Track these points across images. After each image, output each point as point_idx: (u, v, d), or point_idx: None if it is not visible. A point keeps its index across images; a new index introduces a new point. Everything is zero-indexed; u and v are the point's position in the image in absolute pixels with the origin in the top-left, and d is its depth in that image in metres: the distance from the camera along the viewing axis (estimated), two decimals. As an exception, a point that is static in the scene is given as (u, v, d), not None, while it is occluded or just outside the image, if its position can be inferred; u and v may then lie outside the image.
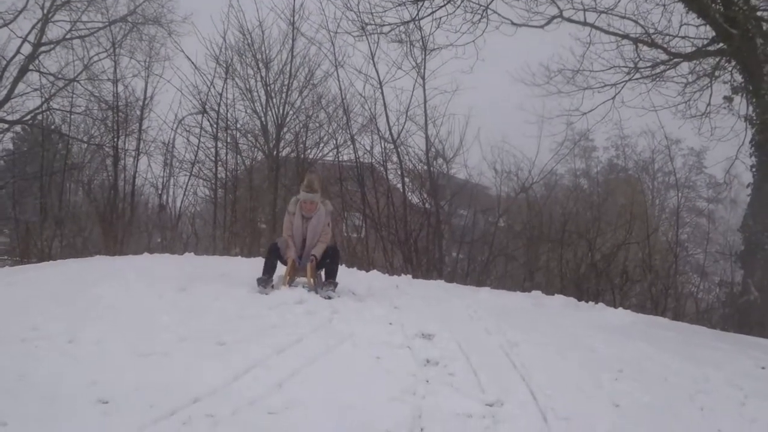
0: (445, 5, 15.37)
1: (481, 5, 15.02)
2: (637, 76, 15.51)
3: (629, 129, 34.65)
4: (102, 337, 6.03)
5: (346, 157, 18.93)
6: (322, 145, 19.37)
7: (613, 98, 15.83)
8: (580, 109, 16.20)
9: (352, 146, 18.52)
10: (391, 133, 18.06)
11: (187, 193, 19.78)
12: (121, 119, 20.08)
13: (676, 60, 15.17)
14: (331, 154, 19.24)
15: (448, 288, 11.67)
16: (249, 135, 19.50)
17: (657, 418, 5.31)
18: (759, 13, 13.62)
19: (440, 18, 15.52)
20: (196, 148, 19.44)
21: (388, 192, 18.19)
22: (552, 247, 18.05)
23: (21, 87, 21.88)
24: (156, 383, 4.92)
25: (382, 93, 18.00)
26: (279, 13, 19.38)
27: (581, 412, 5.16)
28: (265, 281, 8.89)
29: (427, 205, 17.98)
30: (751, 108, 14.49)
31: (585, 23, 14.88)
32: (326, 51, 18.31)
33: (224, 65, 18.80)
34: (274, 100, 18.63)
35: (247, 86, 18.83)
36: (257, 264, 9.87)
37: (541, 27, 14.97)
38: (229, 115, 19.16)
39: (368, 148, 18.63)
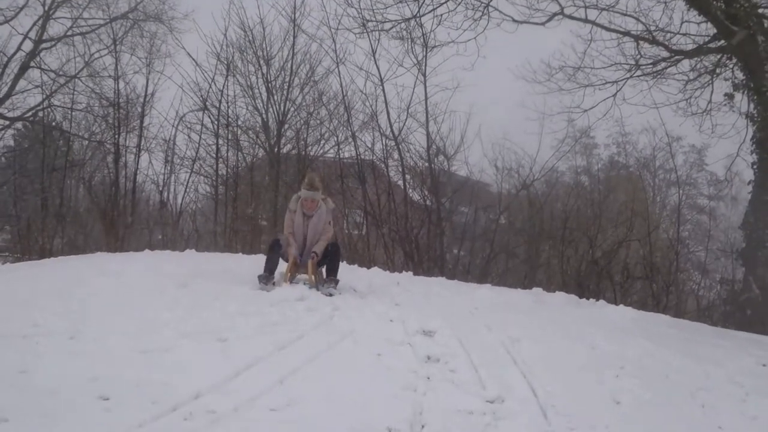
0: (446, 2, 15.37)
1: (482, 2, 15.02)
2: (638, 73, 15.52)
3: (630, 126, 34.63)
4: (103, 333, 6.03)
5: (347, 154, 18.92)
6: (323, 142, 19.35)
7: (615, 95, 15.86)
8: (582, 106, 16.24)
9: (353, 143, 18.50)
10: (392, 130, 18.05)
11: (188, 190, 19.78)
12: (122, 116, 20.03)
13: (677, 57, 15.17)
14: (332, 151, 19.22)
15: (449, 285, 11.66)
16: (250, 132, 19.49)
17: (658, 414, 5.32)
18: (760, 11, 13.59)
19: (441, 15, 15.52)
20: (197, 145, 19.44)
21: (389, 189, 18.17)
22: (553, 244, 18.05)
23: (22, 84, 21.83)
24: (157, 379, 4.92)
25: (383, 90, 17.98)
26: (280, 9, 19.52)
27: (582, 409, 5.16)
28: (267, 278, 8.90)
29: (428, 202, 17.95)
30: (752, 105, 14.50)
31: (586, 20, 14.87)
32: (327, 48, 18.29)
33: (225, 62, 18.80)
34: (275, 96, 18.63)
35: (248, 83, 18.84)
36: (258, 261, 9.88)
37: (543, 24, 14.97)
38: (230, 111, 19.17)
39: (369, 145, 18.62)
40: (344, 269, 10.27)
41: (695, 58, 15.27)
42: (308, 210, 9.44)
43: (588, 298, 11.78)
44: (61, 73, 21.28)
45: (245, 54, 18.78)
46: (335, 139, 19.01)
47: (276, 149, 18.60)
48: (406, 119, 17.97)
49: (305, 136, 19.03)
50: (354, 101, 18.51)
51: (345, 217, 18.41)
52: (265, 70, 18.58)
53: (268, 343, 6.10)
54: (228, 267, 10.26)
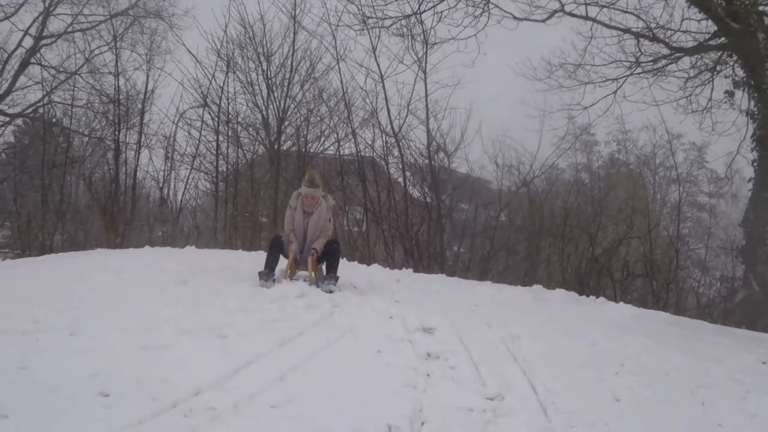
0: (446, -1, 15.37)
1: (482, -1, 15.02)
2: (639, 70, 15.53)
3: (631, 123, 34.48)
4: (103, 330, 6.02)
5: (347, 151, 18.92)
6: (323, 138, 19.37)
7: (615, 93, 15.89)
8: (582, 103, 16.27)
9: (353, 140, 18.50)
10: (392, 127, 18.05)
11: (188, 186, 19.76)
12: (123, 112, 20.00)
13: (677, 54, 15.17)
14: (332, 147, 19.24)
15: (449, 282, 11.67)
16: (250, 128, 19.48)
17: (658, 412, 5.32)
18: (761, 8, 13.59)
19: (442, 12, 15.55)
20: (197, 142, 19.43)
21: (390, 186, 18.17)
22: (553, 241, 18.05)
23: (22, 80, 21.91)
24: (157, 376, 4.92)
25: (384, 87, 17.98)
26: (280, 6, 19.56)
27: (582, 406, 5.17)
28: (267, 275, 8.90)
29: (428, 199, 17.96)
30: (752, 103, 14.52)
31: (587, 17, 14.88)
32: (328, 44, 18.28)
33: (225, 59, 18.77)
34: (276, 93, 18.62)
35: (249, 80, 18.83)
36: (258, 257, 9.88)
37: (543, 21, 14.97)
38: (230, 108, 19.13)
39: (369, 142, 18.62)
40: (344, 266, 10.27)
41: (696, 56, 15.28)
42: (308, 207, 9.44)
43: (588, 296, 11.78)
44: (61, 69, 21.34)
45: (245, 50, 18.79)
46: (335, 136, 19.05)
47: (276, 146, 18.60)
48: (406, 116, 18.00)
49: (305, 132, 19.05)
50: (354, 98, 18.54)
51: (345, 214, 18.41)
52: (265, 67, 18.57)
53: (268, 340, 6.10)
54: (228, 264, 10.26)
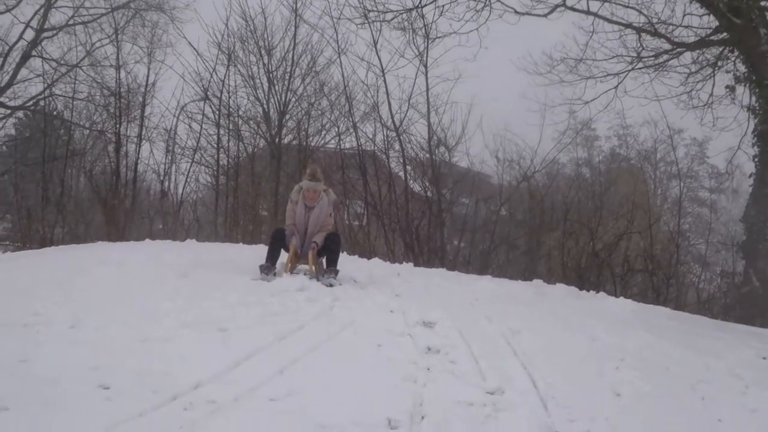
0: (448, -7, 15.32)
1: (484, -7, 14.97)
2: (640, 65, 15.48)
3: (632, 118, 34.62)
4: (104, 322, 6.03)
5: (348, 145, 18.99)
6: (324, 132, 19.41)
7: (616, 87, 15.82)
8: (583, 98, 16.21)
9: (354, 134, 18.57)
10: (393, 121, 18.10)
11: (189, 179, 19.82)
12: (124, 105, 20.03)
13: (679, 50, 15.12)
14: (333, 141, 19.29)
15: (449, 276, 11.67)
16: (251, 122, 19.50)
17: (658, 406, 5.32)
18: (763, 3, 13.56)
19: (443, 6, 15.46)
20: (198, 135, 19.49)
21: (390, 180, 18.20)
22: (554, 236, 18.05)
23: (23, 73, 21.85)
24: (157, 369, 4.93)
25: (385, 81, 18.02)
26: (282, -1, 19.41)
27: (582, 401, 5.16)
28: (268, 268, 8.90)
29: (428, 194, 17.98)
30: (753, 98, 14.49)
31: (588, 12, 14.82)
32: (329, 38, 18.32)
33: (226, 52, 18.80)
34: (277, 87, 18.63)
35: (250, 73, 18.83)
36: (259, 251, 9.89)
37: (545, 16, 14.91)
38: (231, 101, 19.18)
39: (370, 136, 18.68)
40: (345, 260, 10.27)
41: (697, 51, 15.24)
42: (310, 201, 9.44)
43: (588, 290, 11.79)
44: (62, 62, 21.29)
45: (246, 44, 18.80)
46: (336, 129, 19.11)
47: (277, 140, 18.61)
48: (407, 110, 18.05)
49: (306, 126, 19.09)
50: (355, 92, 18.60)
51: (346, 208, 18.42)
52: (266, 60, 18.59)
53: (269, 333, 6.11)
54: (229, 257, 10.27)
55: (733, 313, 15.63)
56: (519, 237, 18.89)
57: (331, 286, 8.71)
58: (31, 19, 21.54)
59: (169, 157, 19.70)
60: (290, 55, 18.46)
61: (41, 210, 18.41)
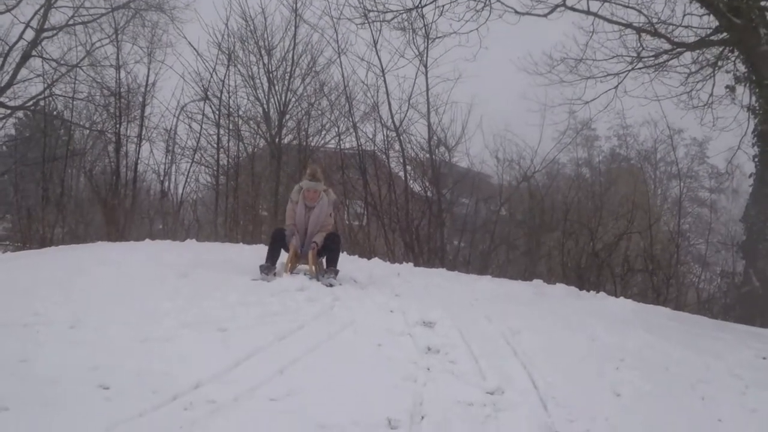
0: (447, -7, 15.31)
1: (484, -7, 14.96)
2: (640, 65, 15.46)
3: (632, 118, 34.54)
4: (103, 322, 6.03)
5: (348, 145, 18.98)
6: (324, 132, 19.40)
7: (616, 88, 15.79)
8: (583, 98, 16.18)
9: (354, 134, 18.56)
10: (393, 121, 18.09)
11: (188, 179, 19.82)
12: (124, 105, 20.03)
13: (679, 50, 15.11)
14: (333, 141, 19.28)
15: (449, 276, 11.67)
16: (251, 122, 19.49)
17: (658, 406, 5.32)
18: (763, 3, 13.56)
19: (443, 6, 15.44)
20: (198, 135, 19.48)
21: (390, 180, 18.20)
22: (554, 236, 18.05)
23: (23, 73, 21.85)
24: (157, 369, 4.93)
25: (385, 81, 18.01)
26: (282, -1, 19.42)
27: (582, 401, 5.17)
28: (268, 268, 8.91)
29: (428, 194, 17.98)
30: (753, 98, 14.49)
31: (588, 12, 14.81)
32: (329, 38, 18.31)
33: (226, 52, 18.79)
34: (277, 87, 18.62)
35: (250, 73, 18.83)
36: (259, 251, 9.89)
37: (545, 16, 14.90)
38: (231, 102, 19.17)
39: (370, 136, 18.67)
40: (345, 260, 10.28)
41: (697, 51, 15.23)
42: (310, 201, 9.44)
43: (588, 290, 11.79)
44: (62, 62, 21.29)
45: (246, 44, 18.80)
46: (336, 129, 19.11)
47: (277, 140, 18.61)
48: (407, 110, 18.04)
49: (306, 126, 19.08)
50: (355, 92, 18.60)
51: (346, 208, 18.42)
52: (266, 60, 18.58)
53: (269, 333, 6.11)
54: (229, 257, 10.27)
55: (733, 313, 15.64)
56: (519, 237, 18.88)
57: (331, 286, 8.71)
58: (31, 19, 21.57)
59: (169, 157, 19.73)
60: (290, 55, 18.49)
61: (41, 210, 18.41)
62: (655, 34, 14.90)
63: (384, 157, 18.58)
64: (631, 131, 27.81)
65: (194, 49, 18.89)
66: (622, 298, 11.37)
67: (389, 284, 9.50)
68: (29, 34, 21.63)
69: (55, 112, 21.79)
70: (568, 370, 5.94)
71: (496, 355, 6.18)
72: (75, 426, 4.00)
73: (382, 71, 17.88)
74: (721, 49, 14.86)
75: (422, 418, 4.59)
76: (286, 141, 19.07)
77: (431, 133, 17.83)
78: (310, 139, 19.12)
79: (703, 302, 18.68)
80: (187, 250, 10.64)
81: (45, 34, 21.75)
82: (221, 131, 19.23)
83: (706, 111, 15.41)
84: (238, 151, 19.41)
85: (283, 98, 18.54)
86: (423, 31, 17.01)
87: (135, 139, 20.06)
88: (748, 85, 14.56)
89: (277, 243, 9.33)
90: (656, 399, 5.46)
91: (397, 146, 18.34)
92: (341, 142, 18.97)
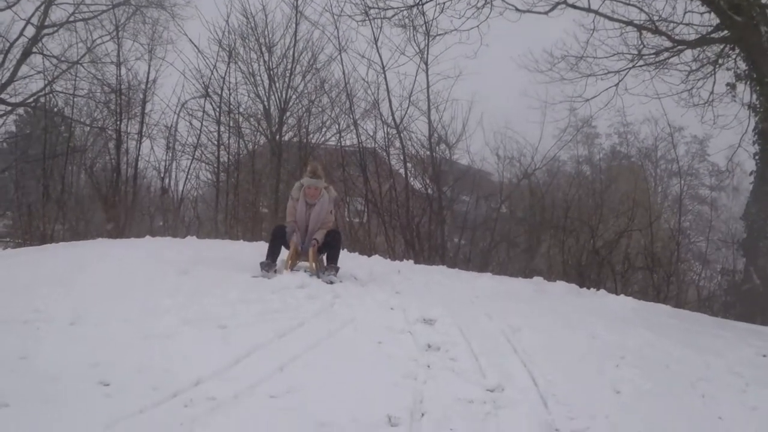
0: (448, -10, 15.31)
1: (485, -9, 14.95)
2: (641, 63, 15.46)
3: (632, 116, 34.44)
4: (104, 319, 6.03)
5: (348, 142, 18.96)
6: (324, 129, 19.39)
7: (617, 85, 15.80)
8: (584, 95, 16.20)
9: (354, 131, 18.53)
10: (393, 118, 18.07)
11: (189, 176, 19.80)
12: (124, 102, 20.00)
13: (679, 47, 15.11)
14: (333, 138, 19.28)
15: (449, 273, 11.66)
16: (251, 119, 19.48)
17: (658, 404, 5.32)
18: (763, 0, 13.55)
19: (444, 3, 15.46)
20: (198, 132, 19.47)
21: (391, 177, 18.19)
22: (554, 233, 18.04)
23: (24, 69, 21.86)
24: (158, 366, 4.93)
25: (385, 78, 18.00)
26: (282, -4, 19.43)
27: (582, 398, 5.17)
28: (268, 265, 8.91)
29: (429, 191, 17.97)
30: (754, 96, 14.50)
31: (589, 9, 14.81)
32: (330, 35, 18.30)
33: (227, 49, 18.78)
34: (277, 84, 18.62)
35: (250, 70, 18.82)
36: (259, 248, 9.88)
37: (545, 13, 14.90)
38: (231, 99, 19.15)
39: (371, 133, 18.63)
40: (345, 257, 10.28)
41: (698, 49, 15.23)
42: (311, 198, 9.43)
43: (589, 288, 11.78)
44: (63, 59, 21.31)
45: (247, 41, 18.79)
46: (337, 126, 19.09)
47: (278, 137, 18.60)
48: (407, 107, 18.02)
49: (307, 123, 19.09)
50: (356, 89, 18.58)
51: (346, 205, 18.41)
52: (267, 57, 18.56)
53: (269, 331, 6.11)
54: (229, 254, 10.26)
55: (734, 311, 15.66)
56: (519, 234, 18.88)
57: (331, 283, 8.70)
58: (32, 15, 21.55)
59: (170, 154, 19.71)
60: (291, 52, 18.47)
61: (42, 207, 18.40)
62: (656, 31, 14.90)
63: (384, 154, 18.58)
64: (632, 129, 27.87)
65: (195, 46, 18.90)
66: (622, 295, 11.35)
67: (390, 281, 9.50)
68: (30, 31, 21.65)
69: (55, 109, 21.76)
70: (568, 367, 5.94)
71: (497, 353, 6.19)
72: (75, 422, 4.01)
73: (383, 68, 17.89)
74: (721, 46, 14.86)
75: (422, 415, 4.60)
76: (286, 138, 19.07)
77: (432, 131, 17.82)
78: (311, 136, 19.15)
79: (703, 300, 18.69)
80: (188, 247, 10.62)
81: (46, 31, 21.75)
82: (222, 128, 19.25)
83: (706, 109, 15.43)
84: (239, 148, 19.44)
85: (284, 95, 18.55)
86: (424, 28, 17.02)
87: (135, 136, 20.07)
88: (748, 82, 14.57)
89: (277, 240, 9.33)
90: (656, 397, 5.46)
91: (397, 143, 18.37)
92: (342, 139, 18.99)
